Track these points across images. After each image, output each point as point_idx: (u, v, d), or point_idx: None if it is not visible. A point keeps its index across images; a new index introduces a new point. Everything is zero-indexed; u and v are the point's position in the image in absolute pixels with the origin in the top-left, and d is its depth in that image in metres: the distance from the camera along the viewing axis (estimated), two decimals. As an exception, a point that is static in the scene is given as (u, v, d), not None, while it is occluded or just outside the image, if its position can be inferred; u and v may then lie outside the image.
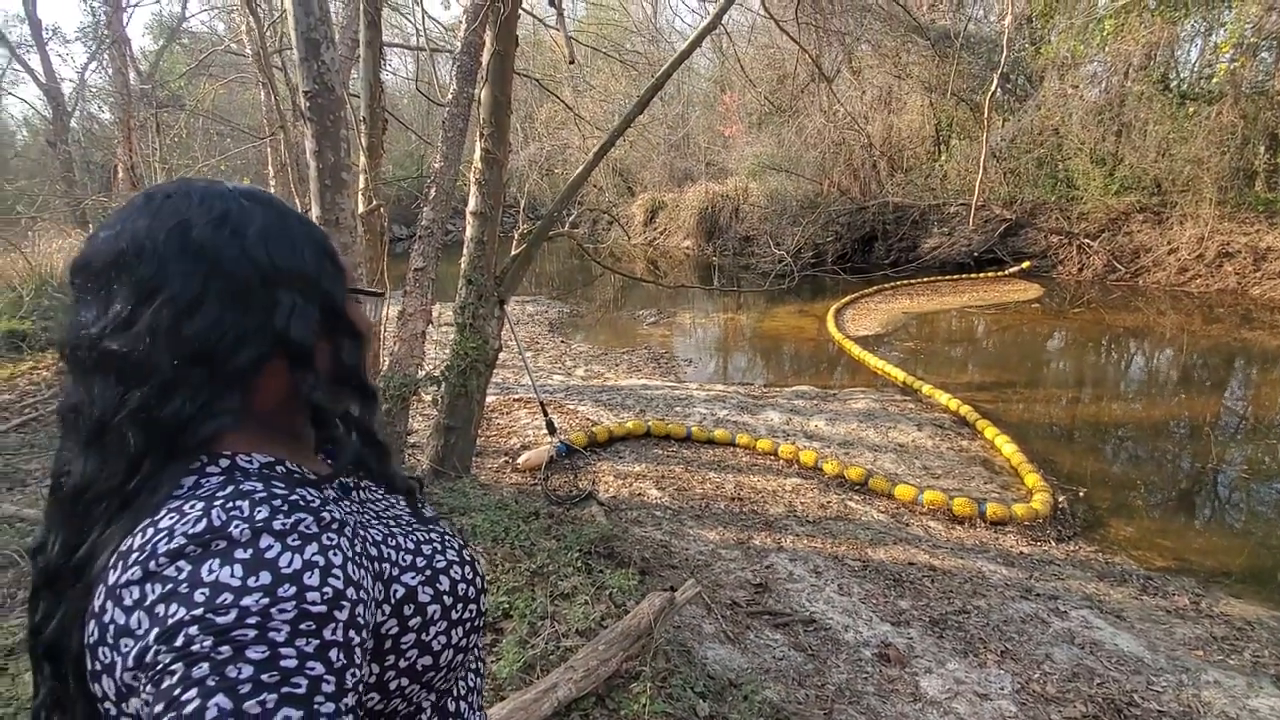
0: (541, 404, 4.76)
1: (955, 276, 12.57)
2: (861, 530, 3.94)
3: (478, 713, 0.71)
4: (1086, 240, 12.25)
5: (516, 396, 6.29)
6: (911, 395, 6.59)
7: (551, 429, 4.67)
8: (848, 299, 10.92)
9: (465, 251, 3.95)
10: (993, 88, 9.04)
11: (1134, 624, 3.14)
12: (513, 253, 4.16)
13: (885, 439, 5.45)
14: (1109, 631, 3.03)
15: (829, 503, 4.31)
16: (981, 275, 12.53)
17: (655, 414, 5.85)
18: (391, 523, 0.64)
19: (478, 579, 0.66)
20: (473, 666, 0.71)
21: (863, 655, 2.78)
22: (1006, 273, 12.41)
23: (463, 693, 0.68)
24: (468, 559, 0.66)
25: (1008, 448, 5.04)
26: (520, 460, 4.69)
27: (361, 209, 3.82)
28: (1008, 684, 2.64)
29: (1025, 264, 12.46)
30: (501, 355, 4.25)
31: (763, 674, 2.56)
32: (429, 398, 4.39)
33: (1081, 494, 4.43)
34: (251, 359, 0.55)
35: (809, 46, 8.06)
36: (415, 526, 0.66)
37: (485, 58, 3.75)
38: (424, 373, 4.16)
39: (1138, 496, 4.69)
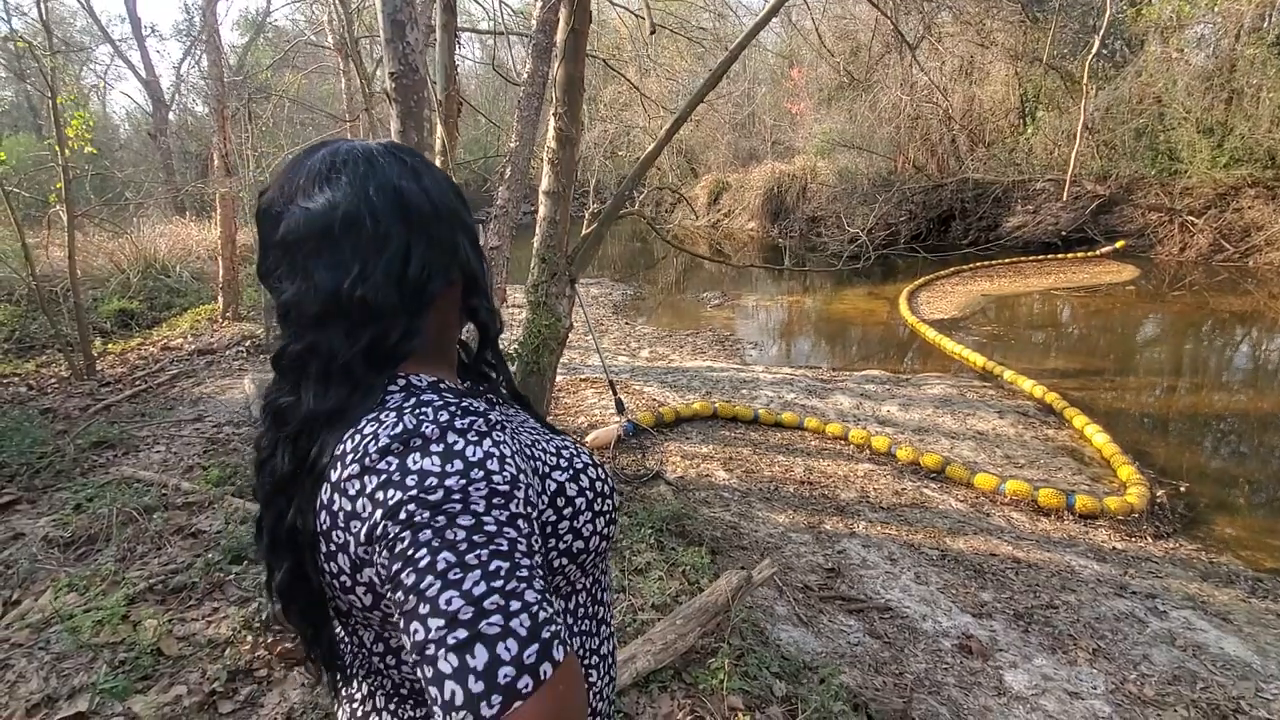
0: (611, 383, 4.79)
1: (1040, 257, 11.86)
2: (939, 519, 3.81)
3: (608, 625, 0.79)
4: (1190, 218, 11.33)
5: (583, 376, 6.35)
6: (991, 381, 6.29)
7: (620, 408, 4.70)
8: (922, 281, 10.47)
9: (538, 230, 3.99)
10: (1093, 51, 8.41)
11: (1241, 627, 2.92)
12: (584, 232, 4.19)
13: (963, 426, 5.24)
14: (1213, 634, 2.83)
15: (903, 490, 4.18)
16: (1069, 255, 11.78)
17: (721, 396, 5.80)
18: (532, 430, 0.74)
19: (608, 478, 0.75)
20: (605, 567, 0.80)
21: (942, 645, 2.69)
22: (1098, 253, 11.63)
23: (605, 585, 0.79)
24: (594, 461, 0.75)
25: (1099, 438, 4.75)
26: (588, 439, 4.74)
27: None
28: (1100, 683, 2.51)
29: (1119, 243, 11.64)
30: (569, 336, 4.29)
31: (838, 659, 2.52)
32: (501, 375, 4.48)
33: (1183, 488, 4.14)
34: (438, 289, 0.66)
35: (887, 13, 7.70)
36: (550, 436, 0.75)
37: (560, 35, 3.76)
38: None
39: (1244, 493, 4.35)
